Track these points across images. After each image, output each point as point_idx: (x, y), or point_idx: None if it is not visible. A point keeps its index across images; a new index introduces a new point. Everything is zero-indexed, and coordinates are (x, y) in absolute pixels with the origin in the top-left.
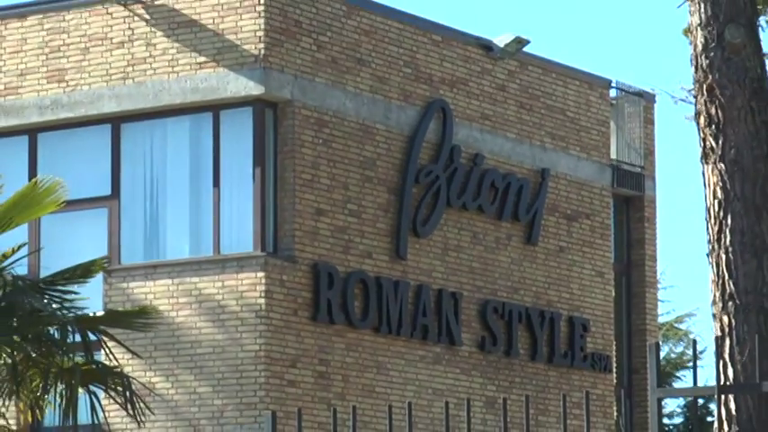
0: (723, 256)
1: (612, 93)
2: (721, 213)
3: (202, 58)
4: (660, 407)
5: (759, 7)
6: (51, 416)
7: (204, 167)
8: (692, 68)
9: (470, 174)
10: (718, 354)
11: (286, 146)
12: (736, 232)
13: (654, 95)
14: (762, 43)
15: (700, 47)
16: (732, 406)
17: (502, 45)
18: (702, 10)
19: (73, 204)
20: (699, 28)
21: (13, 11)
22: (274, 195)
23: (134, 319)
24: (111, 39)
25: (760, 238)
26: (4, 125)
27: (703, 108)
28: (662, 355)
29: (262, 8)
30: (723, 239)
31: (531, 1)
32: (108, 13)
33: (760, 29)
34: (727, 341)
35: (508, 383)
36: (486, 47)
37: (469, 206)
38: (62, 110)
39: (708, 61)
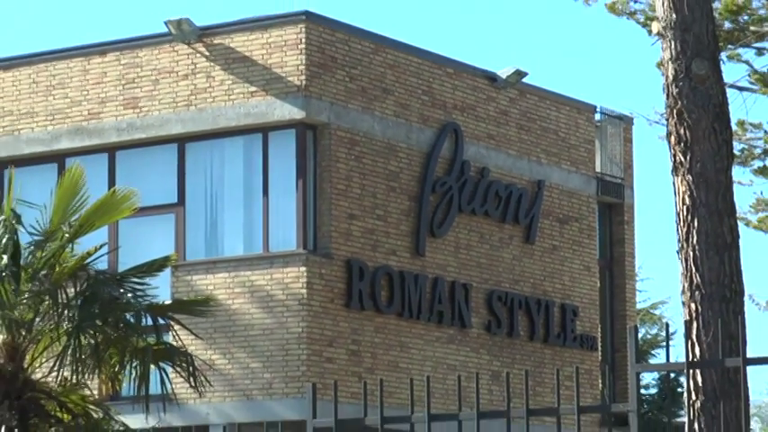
0: (691, 253)
1: (597, 116)
2: (689, 217)
3: (253, 88)
4: (638, 380)
5: (720, 44)
6: (127, 388)
7: (255, 179)
8: (664, 96)
9: (478, 184)
10: (687, 335)
11: (324, 161)
12: (701, 233)
13: (632, 118)
14: (722, 74)
15: (671, 77)
16: (699, 379)
17: (504, 76)
18: (672, 46)
19: (145, 210)
20: (670, 62)
21: (95, 48)
22: (314, 203)
23: (197, 306)
24: (177, 72)
25: (721, 237)
26: (88, 144)
27: (674, 129)
28: (639, 336)
29: (303, 46)
30: (690, 239)
31: (529, 39)
32: (174, 51)
33: (721, 62)
34: (695, 324)
35: (510, 360)
36: (491, 78)
37: (477, 211)
38: (136, 132)
39: (677, 90)
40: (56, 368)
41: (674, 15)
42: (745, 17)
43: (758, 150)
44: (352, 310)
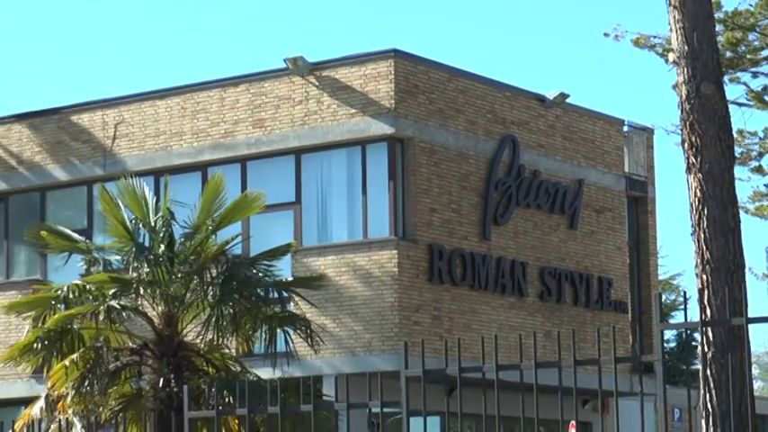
0: (702, 235)
1: (625, 128)
2: (700, 207)
3: (353, 110)
4: (662, 336)
5: (723, 69)
6: (258, 347)
7: (356, 182)
8: (679, 111)
9: (531, 183)
10: (700, 300)
11: (409, 167)
12: (710, 219)
13: (653, 129)
14: (725, 93)
15: (684, 96)
16: (710, 335)
17: (551, 97)
18: (685, 72)
19: (270, 208)
20: (683, 84)
21: (230, 81)
22: (402, 199)
23: (312, 282)
24: (294, 98)
25: (726, 223)
26: (225, 156)
27: (687, 137)
28: (661, 301)
29: (392, 76)
30: (702, 224)
31: (571, 66)
32: (291, 82)
33: (724, 84)
34: (706, 292)
35: (559, 321)
36: (541, 99)
37: (531, 205)
38: (262, 146)
39: (689, 106)
40: (202, 332)
41: (686, 47)
42: (743, 48)
43: (754, 153)
44: (433, 284)
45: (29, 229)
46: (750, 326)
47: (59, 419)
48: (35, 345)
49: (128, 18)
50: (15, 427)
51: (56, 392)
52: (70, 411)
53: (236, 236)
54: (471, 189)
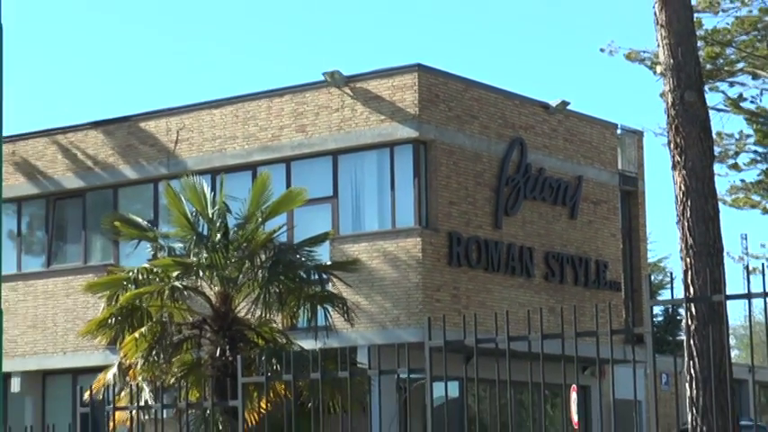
0: (686, 224)
1: (618, 131)
2: (684, 199)
3: (383, 117)
4: (651, 311)
5: (704, 80)
6: (302, 321)
7: (385, 179)
8: (666, 115)
9: (537, 179)
10: (685, 280)
11: (431, 166)
12: (693, 210)
13: (643, 132)
14: (706, 101)
15: (670, 103)
16: (693, 310)
17: (554, 105)
18: (671, 82)
19: (311, 201)
20: (669, 92)
21: (276, 92)
22: (426, 194)
23: (348, 265)
24: (331, 107)
25: (707, 213)
26: (272, 157)
27: (672, 138)
28: (650, 281)
29: (416, 87)
30: (686, 214)
31: (571, 76)
32: (329, 92)
33: (704, 92)
34: (690, 272)
35: (561, 298)
36: (545, 106)
37: (537, 198)
38: (304, 148)
39: (675, 111)
40: (253, 309)
41: (671, 61)
42: (721, 61)
43: (731, 152)
44: (452, 267)
45: (104, 220)
46: (728, 302)
47: (130, 384)
48: (109, 320)
49: (188, 37)
50: (93, 387)
51: (127, 361)
52: (139, 377)
53: (282, 226)
54: (485, 184)
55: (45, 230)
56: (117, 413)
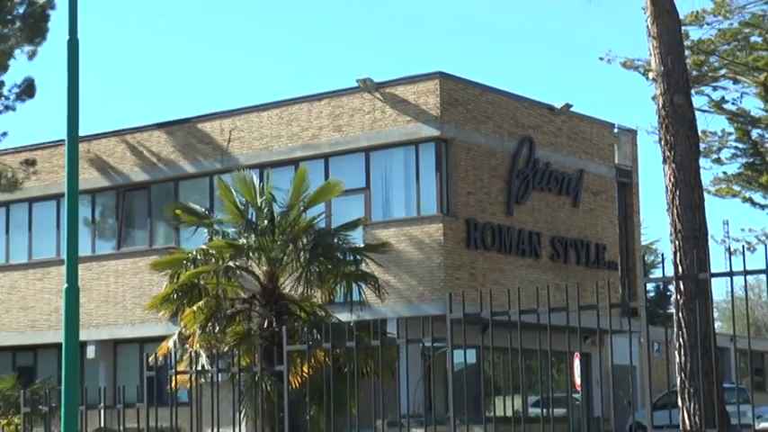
0: (675, 211)
1: (615, 129)
2: (673, 189)
3: (408, 118)
4: (645, 287)
5: (690, 84)
6: (339, 297)
7: (411, 172)
8: (657, 116)
9: (544, 172)
10: (674, 260)
11: (451, 161)
12: (681, 199)
13: (636, 130)
14: (692, 103)
15: (660, 105)
16: (682, 287)
17: (558, 107)
18: (661, 86)
19: (346, 192)
20: (660, 95)
21: (315, 96)
22: (447, 185)
23: (379, 248)
24: (364, 109)
25: (693, 201)
26: (312, 154)
27: (663, 136)
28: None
29: (438, 92)
30: (675, 202)
31: (572, 81)
32: (362, 97)
33: (691, 95)
34: (678, 254)
35: (566, 276)
36: (551, 108)
37: (544, 188)
38: (339, 145)
39: (665, 112)
40: (296, 286)
41: (662, 68)
42: (705, 68)
43: (714, 148)
44: (470, 249)
45: (167, 209)
46: (712, 279)
47: (189, 352)
48: (171, 296)
49: (239, 49)
50: (156, 354)
51: (186, 331)
52: (197, 345)
53: (321, 213)
54: (498, 177)
55: (115, 218)
56: (178, 376)
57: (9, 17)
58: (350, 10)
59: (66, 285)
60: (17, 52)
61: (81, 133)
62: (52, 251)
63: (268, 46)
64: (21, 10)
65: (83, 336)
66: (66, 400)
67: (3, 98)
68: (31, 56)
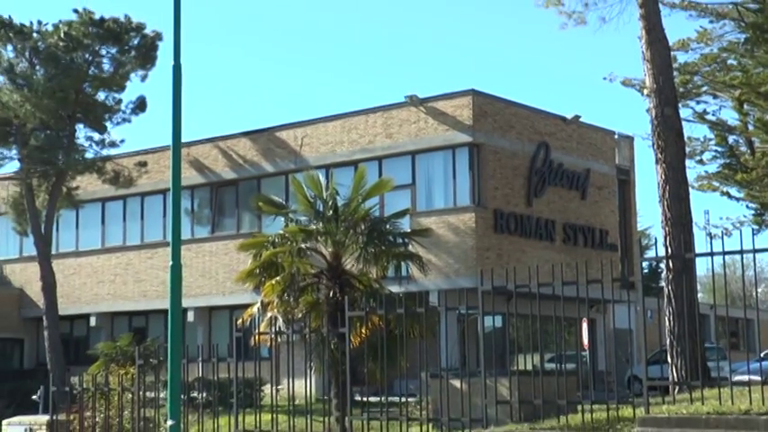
0: (665, 203)
1: (616, 136)
2: (664, 185)
3: (447, 127)
4: (641, 265)
5: (678, 99)
6: (390, 272)
7: (449, 171)
8: (650, 125)
9: (557, 171)
10: (665, 242)
11: (482, 162)
12: (670, 193)
13: (633, 137)
14: (680, 114)
15: (653, 115)
16: (671, 264)
17: (570, 117)
18: (654, 101)
19: (396, 188)
20: (653, 108)
21: (371, 110)
22: (478, 181)
23: (423, 233)
24: (410, 120)
25: (680, 195)
26: (368, 156)
27: (655, 141)
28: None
29: (471, 106)
30: (665, 195)
31: (583, 97)
32: (409, 110)
33: (679, 108)
34: (668, 237)
35: (576, 256)
36: (563, 118)
37: (557, 184)
38: (389, 149)
39: (657, 122)
40: (355, 264)
41: (654, 85)
42: (690, 85)
43: (698, 151)
44: (497, 234)
45: (251, 201)
46: (696, 259)
47: (269, 316)
48: (255, 271)
49: (309, 69)
50: (243, 318)
51: (267, 300)
52: (275, 311)
53: (375, 205)
54: (520, 175)
55: (209, 209)
56: (260, 337)
57: (126, 47)
58: (399, 37)
59: (171, 263)
60: (132, 75)
61: (182, 140)
62: (159, 235)
63: (332, 68)
64: (135, 41)
65: (184, 303)
66: (171, 354)
67: (121, 112)
68: (143, 78)
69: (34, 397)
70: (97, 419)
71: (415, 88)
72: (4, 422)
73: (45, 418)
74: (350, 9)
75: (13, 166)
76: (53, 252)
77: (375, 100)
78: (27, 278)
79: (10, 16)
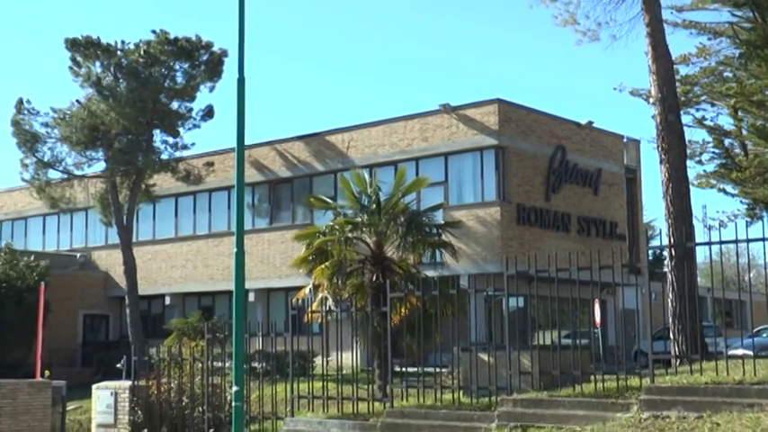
0: (668, 198)
1: (624, 139)
2: (667, 182)
3: (476, 131)
4: (647, 253)
5: (680, 106)
6: (426, 258)
7: (477, 170)
8: (655, 130)
9: (573, 170)
10: (668, 233)
11: (506, 162)
12: (673, 189)
13: (640, 140)
14: (681, 120)
15: (658, 121)
16: (673, 252)
17: (583, 123)
18: (659, 108)
19: (431, 185)
20: (658, 114)
21: (409, 116)
22: (504, 179)
23: (455, 224)
24: (443, 125)
25: (681, 191)
26: (406, 157)
27: (660, 144)
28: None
29: (497, 113)
30: (668, 192)
31: (596, 105)
32: (442, 117)
33: (681, 114)
34: (671, 229)
35: (589, 245)
36: (578, 124)
37: (572, 182)
38: (427, 152)
39: (661, 127)
40: (395, 251)
41: (659, 95)
42: (690, 95)
43: (697, 152)
44: (519, 225)
45: (304, 197)
46: (696, 247)
47: (320, 296)
48: (308, 257)
49: (355, 78)
50: (297, 298)
51: (318, 283)
52: (325, 292)
53: (413, 200)
54: (540, 174)
55: (268, 203)
56: (312, 314)
57: (196, 63)
58: (436, 52)
59: (235, 250)
60: (202, 87)
61: (245, 143)
62: (225, 226)
63: (375, 76)
64: (204, 57)
65: (246, 286)
66: (235, 329)
67: (191, 119)
68: (211, 89)
69: (118, 365)
70: (171, 385)
71: (448, 97)
72: (94, 386)
73: (127, 383)
74: (392, 29)
75: (99, 167)
76: (133, 240)
77: (413, 107)
78: (111, 263)
79: (98, 37)
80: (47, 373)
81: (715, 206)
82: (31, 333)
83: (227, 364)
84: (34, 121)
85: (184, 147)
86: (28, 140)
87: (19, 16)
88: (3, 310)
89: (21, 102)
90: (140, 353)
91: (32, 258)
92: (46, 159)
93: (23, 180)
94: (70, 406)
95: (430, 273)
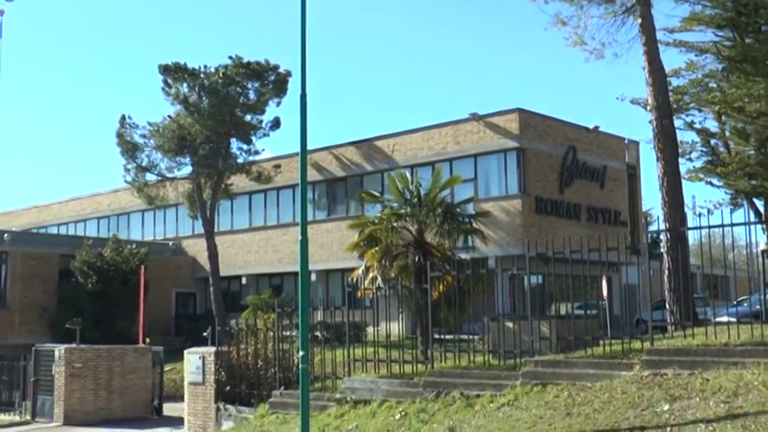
0: (663, 190)
1: (625, 141)
2: (662, 177)
3: (499, 136)
4: (646, 236)
5: (673, 112)
6: (460, 243)
7: (501, 168)
8: (652, 132)
9: (582, 167)
10: (664, 220)
11: (526, 162)
12: (668, 183)
13: (639, 141)
14: (674, 124)
15: (654, 125)
16: (669, 236)
17: (591, 127)
18: (655, 114)
19: (463, 182)
20: (654, 119)
21: (443, 124)
22: (524, 177)
23: (483, 214)
24: (473, 131)
25: (675, 185)
26: (439, 159)
27: (656, 145)
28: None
29: (518, 120)
30: (663, 185)
31: (601, 112)
32: (471, 124)
33: (674, 119)
34: (666, 216)
35: (597, 231)
36: (586, 128)
37: (582, 177)
38: (459, 154)
39: (657, 130)
40: (434, 237)
41: (655, 103)
42: (681, 103)
43: (687, 151)
44: (538, 214)
45: (357, 193)
46: (688, 231)
47: (371, 276)
48: (360, 243)
49: (395, 91)
50: (351, 277)
51: (369, 264)
52: (375, 272)
53: (447, 194)
54: (554, 171)
55: (326, 198)
56: (364, 291)
57: (266, 82)
58: (465, 67)
59: (299, 238)
60: (270, 102)
61: (307, 149)
62: (290, 218)
63: (414, 91)
64: (272, 77)
65: (309, 267)
66: (301, 304)
67: (262, 129)
68: (278, 104)
69: (204, 334)
70: (249, 350)
71: (477, 106)
72: (185, 351)
73: (212, 349)
74: (429, 49)
75: (187, 170)
76: (215, 231)
77: (447, 116)
78: (197, 250)
79: (185, 62)
80: (147, 340)
81: (703, 196)
82: (133, 307)
83: (294, 333)
84: (134, 133)
85: (256, 152)
86: (129, 149)
87: (122, 47)
88: (111, 289)
89: (123, 118)
90: (222, 324)
91: (134, 246)
92: (144, 165)
93: (126, 182)
94: (166, 367)
95: (463, 255)
